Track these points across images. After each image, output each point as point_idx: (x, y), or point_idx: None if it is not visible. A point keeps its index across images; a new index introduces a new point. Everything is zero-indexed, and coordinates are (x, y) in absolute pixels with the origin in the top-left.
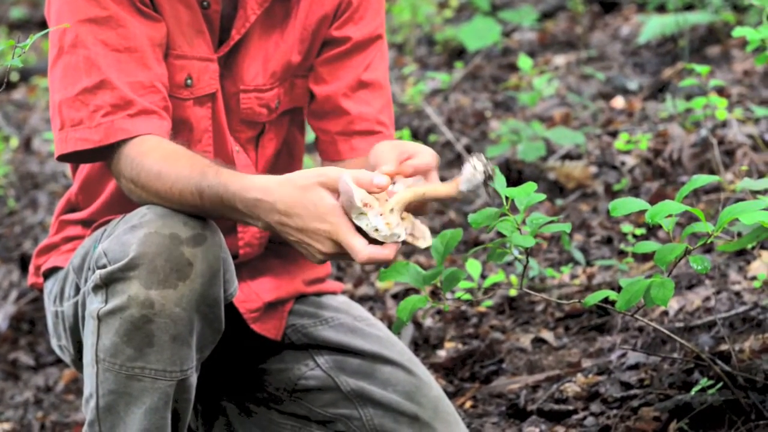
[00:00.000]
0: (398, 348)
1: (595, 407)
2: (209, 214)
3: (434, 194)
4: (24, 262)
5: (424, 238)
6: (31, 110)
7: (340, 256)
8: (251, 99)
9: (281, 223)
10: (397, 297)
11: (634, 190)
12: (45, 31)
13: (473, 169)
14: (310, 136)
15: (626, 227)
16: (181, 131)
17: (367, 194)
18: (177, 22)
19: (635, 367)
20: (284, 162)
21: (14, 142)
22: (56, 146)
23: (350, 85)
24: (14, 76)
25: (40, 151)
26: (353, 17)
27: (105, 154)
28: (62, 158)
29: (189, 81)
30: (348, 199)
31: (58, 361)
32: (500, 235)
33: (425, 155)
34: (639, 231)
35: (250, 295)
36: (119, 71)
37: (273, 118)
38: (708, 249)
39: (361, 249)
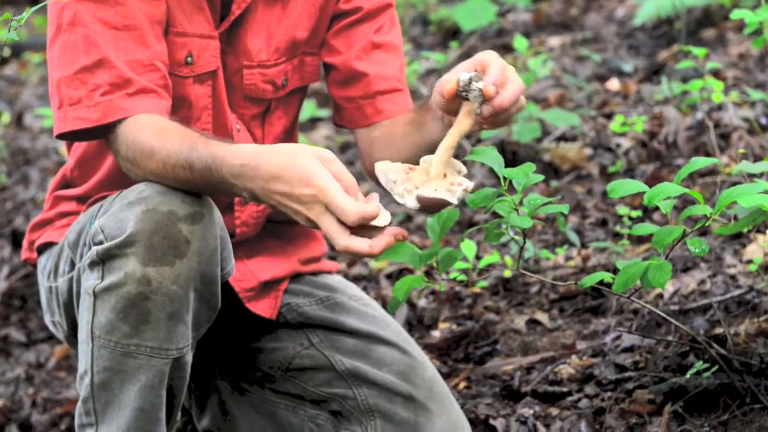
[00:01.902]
0: (393, 328)
1: (589, 389)
2: (201, 188)
3: (462, 134)
4: (15, 238)
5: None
6: (23, 86)
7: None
8: (255, 75)
9: (266, 189)
10: (391, 277)
11: (629, 173)
12: (41, 4)
13: (470, 86)
14: (302, 114)
15: (621, 209)
16: (180, 109)
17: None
18: None
19: (630, 349)
20: (291, 141)
21: (6, 117)
22: (55, 124)
23: (363, 48)
24: (6, 52)
25: (32, 127)
26: None
27: (103, 133)
28: (60, 136)
29: (189, 58)
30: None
31: (50, 338)
32: (495, 216)
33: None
34: (635, 213)
35: (246, 273)
36: (118, 50)
37: (281, 95)
38: (703, 232)
39: (350, 207)
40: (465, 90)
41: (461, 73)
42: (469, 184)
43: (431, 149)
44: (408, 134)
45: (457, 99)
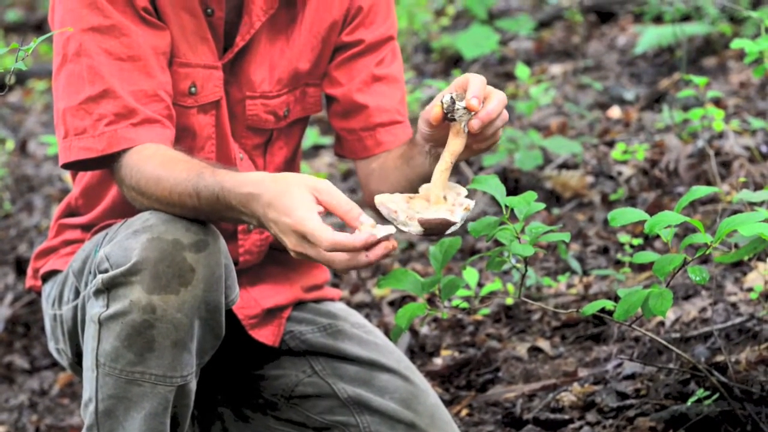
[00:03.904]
0: (396, 355)
1: (591, 417)
2: (207, 215)
3: (455, 155)
4: (19, 265)
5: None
6: (27, 113)
7: (306, 255)
8: (257, 105)
9: (264, 215)
10: (394, 304)
11: (631, 200)
12: (47, 35)
13: (454, 105)
14: (305, 142)
15: (623, 237)
16: (183, 139)
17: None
18: (181, 30)
19: (631, 377)
20: (293, 170)
21: (10, 144)
22: (60, 154)
23: (364, 80)
24: (9, 79)
25: (36, 154)
26: (364, 22)
27: (108, 163)
28: (66, 166)
29: (193, 89)
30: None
31: (53, 365)
32: (497, 243)
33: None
34: (636, 241)
35: (249, 301)
36: (122, 80)
37: (282, 126)
38: (704, 260)
39: (324, 235)
40: (450, 111)
41: (444, 96)
42: (470, 203)
43: (420, 182)
44: (398, 167)
45: (444, 125)
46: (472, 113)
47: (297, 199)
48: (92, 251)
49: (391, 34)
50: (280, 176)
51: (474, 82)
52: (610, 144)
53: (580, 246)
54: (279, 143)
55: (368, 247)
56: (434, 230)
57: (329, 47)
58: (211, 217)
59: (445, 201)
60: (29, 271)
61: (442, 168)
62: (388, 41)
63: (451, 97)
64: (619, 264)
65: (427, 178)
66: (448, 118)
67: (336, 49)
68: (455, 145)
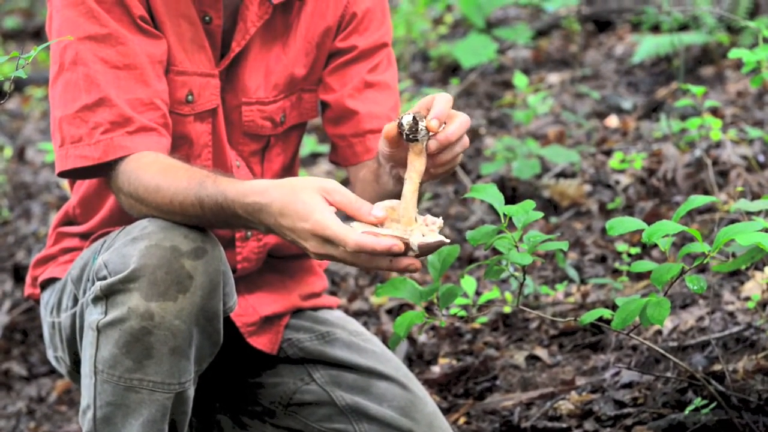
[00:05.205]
0: (394, 363)
1: (588, 425)
2: (212, 223)
3: (420, 174)
4: (17, 273)
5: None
6: (25, 120)
7: (329, 256)
8: (253, 111)
9: (277, 224)
10: (392, 312)
11: (628, 209)
12: (47, 44)
13: (418, 126)
14: (302, 150)
15: (621, 246)
16: (180, 146)
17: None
18: (179, 38)
19: (629, 385)
20: (290, 177)
21: (8, 152)
22: (56, 162)
23: (356, 87)
24: (8, 86)
25: (34, 162)
26: (358, 28)
27: (104, 171)
28: (62, 174)
29: (190, 97)
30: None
31: (51, 372)
32: (495, 252)
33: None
34: (634, 250)
35: (247, 308)
36: (118, 89)
37: (279, 132)
38: (702, 269)
39: (349, 235)
40: (412, 132)
41: (404, 116)
42: (440, 221)
43: (387, 198)
44: (370, 183)
45: (401, 144)
46: (432, 134)
47: (309, 203)
48: (90, 259)
49: (385, 41)
50: (284, 182)
51: (438, 102)
52: (608, 153)
53: (578, 255)
54: (276, 149)
55: (392, 253)
56: (427, 253)
57: (324, 53)
58: (215, 224)
59: (416, 221)
60: (28, 279)
61: (412, 189)
62: (382, 48)
63: (414, 117)
64: (616, 273)
65: (392, 197)
66: (409, 138)
67: (330, 55)
68: (420, 165)
